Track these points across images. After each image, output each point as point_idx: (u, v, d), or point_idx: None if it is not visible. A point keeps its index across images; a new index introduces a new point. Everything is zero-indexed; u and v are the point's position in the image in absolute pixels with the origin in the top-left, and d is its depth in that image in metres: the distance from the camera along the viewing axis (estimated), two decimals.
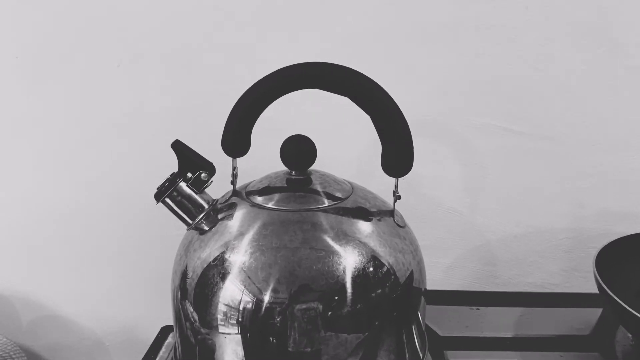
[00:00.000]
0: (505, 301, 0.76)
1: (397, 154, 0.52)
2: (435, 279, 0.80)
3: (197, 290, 0.50)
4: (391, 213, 0.54)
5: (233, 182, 0.56)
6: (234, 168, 0.55)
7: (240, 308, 0.48)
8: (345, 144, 0.79)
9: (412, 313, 0.53)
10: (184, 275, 0.52)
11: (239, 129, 0.52)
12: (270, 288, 0.47)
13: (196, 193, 0.52)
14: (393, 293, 0.50)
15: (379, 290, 0.49)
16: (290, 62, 0.51)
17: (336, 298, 0.48)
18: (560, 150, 0.79)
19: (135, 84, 0.80)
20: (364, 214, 0.53)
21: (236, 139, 0.52)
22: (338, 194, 0.54)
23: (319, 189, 0.54)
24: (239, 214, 0.52)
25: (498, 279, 0.85)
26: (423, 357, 0.56)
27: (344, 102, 0.51)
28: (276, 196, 0.53)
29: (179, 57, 0.78)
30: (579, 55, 0.76)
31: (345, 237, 0.50)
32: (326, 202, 0.52)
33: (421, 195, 0.81)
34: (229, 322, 0.49)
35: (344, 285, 0.48)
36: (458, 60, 0.77)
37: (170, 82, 0.80)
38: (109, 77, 0.79)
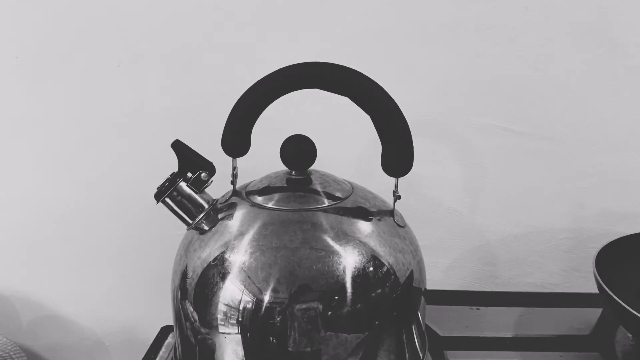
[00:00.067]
0: (505, 301, 0.75)
1: (397, 154, 0.52)
2: (435, 279, 0.80)
3: (197, 290, 0.50)
4: (391, 213, 0.54)
5: (233, 182, 0.56)
6: (234, 168, 0.55)
7: (240, 308, 0.48)
8: (345, 144, 0.79)
9: (412, 313, 0.53)
10: (184, 275, 0.52)
11: (239, 128, 0.52)
12: (270, 288, 0.48)
13: (196, 193, 0.52)
14: (393, 293, 0.50)
15: (379, 290, 0.49)
16: (290, 62, 0.51)
17: (336, 298, 0.48)
18: (560, 150, 0.79)
19: (135, 84, 0.80)
20: (364, 213, 0.53)
21: (236, 138, 0.52)
22: (338, 194, 0.54)
23: (319, 188, 0.54)
24: (239, 214, 0.52)
25: (498, 279, 0.85)
26: (423, 357, 0.56)
27: (344, 102, 0.51)
28: (276, 196, 0.53)
29: (179, 57, 0.78)
30: (579, 55, 0.76)
31: (345, 237, 0.50)
32: (326, 202, 0.52)
33: (421, 195, 0.81)
34: (229, 322, 0.49)
35: (344, 285, 0.48)
36: (458, 60, 0.77)
37: (170, 82, 0.80)
38: (109, 77, 0.79)
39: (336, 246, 0.49)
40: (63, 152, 0.83)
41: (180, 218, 0.52)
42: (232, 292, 0.48)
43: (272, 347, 0.48)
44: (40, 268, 0.88)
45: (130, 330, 0.91)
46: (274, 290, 0.47)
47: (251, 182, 0.57)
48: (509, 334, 0.68)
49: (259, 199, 0.53)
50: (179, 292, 0.52)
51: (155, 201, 0.51)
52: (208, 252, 0.50)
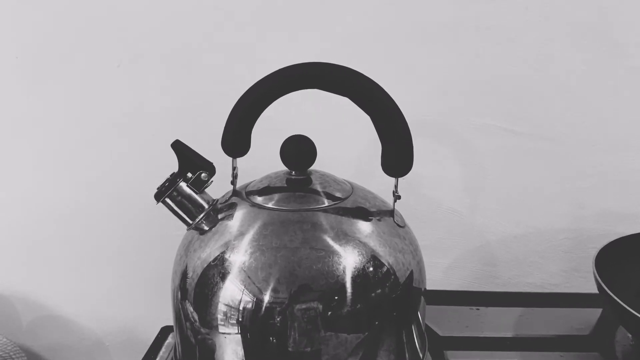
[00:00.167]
0: (505, 301, 0.75)
1: (397, 154, 0.52)
2: (435, 279, 0.80)
3: (197, 290, 0.50)
4: (391, 213, 0.54)
5: (233, 182, 0.56)
6: (234, 168, 0.55)
7: (240, 308, 0.48)
8: (345, 144, 0.79)
9: (412, 313, 0.53)
10: (184, 275, 0.52)
11: (239, 129, 0.52)
12: (270, 288, 0.48)
13: (196, 193, 0.52)
14: (393, 293, 0.50)
15: (379, 290, 0.49)
16: (290, 62, 0.51)
17: (336, 298, 0.48)
18: (560, 150, 0.79)
19: (135, 84, 0.80)
20: (364, 214, 0.53)
21: (236, 139, 0.52)
22: (338, 194, 0.54)
23: (319, 189, 0.54)
24: (239, 214, 0.52)
25: (498, 279, 0.85)
26: (423, 357, 0.56)
27: (344, 102, 0.51)
28: (276, 196, 0.53)
29: (179, 57, 0.78)
30: (579, 55, 0.76)
31: (345, 237, 0.50)
32: (326, 202, 0.52)
33: (421, 196, 0.81)
34: (229, 322, 0.49)
35: (343, 285, 0.48)
36: (458, 60, 0.77)
37: (170, 82, 0.80)
38: (109, 77, 0.79)
39: (336, 246, 0.49)
40: (63, 152, 0.83)
41: (180, 218, 0.52)
42: (232, 292, 0.48)
43: (272, 347, 0.48)
44: (40, 268, 0.88)
45: (130, 331, 0.91)
46: (274, 290, 0.47)
47: (251, 182, 0.57)
48: (509, 334, 0.68)
49: (259, 199, 0.53)
50: (179, 292, 0.52)
51: (155, 201, 0.51)
52: (208, 252, 0.50)
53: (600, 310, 0.72)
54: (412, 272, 0.52)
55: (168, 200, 0.51)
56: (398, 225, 0.54)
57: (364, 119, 0.51)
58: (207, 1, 0.76)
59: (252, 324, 0.48)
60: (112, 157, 0.83)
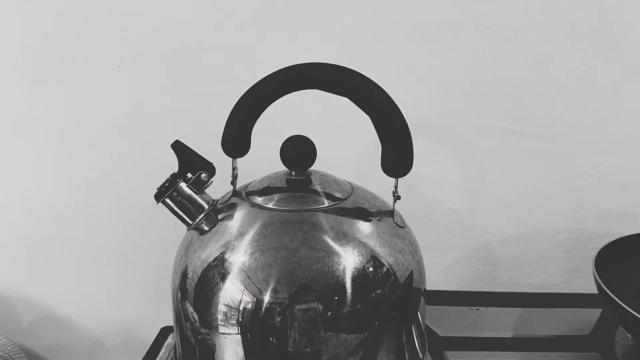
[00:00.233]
0: (505, 302, 0.76)
1: (397, 154, 0.52)
2: (435, 280, 0.80)
3: (197, 291, 0.50)
4: (391, 213, 0.54)
5: (233, 183, 0.56)
6: (234, 168, 0.55)
7: (240, 308, 0.48)
8: (345, 144, 0.79)
9: (411, 313, 0.53)
10: (184, 275, 0.52)
11: (239, 129, 0.52)
12: (270, 288, 0.48)
13: (196, 193, 0.52)
14: (393, 293, 0.50)
15: (379, 291, 0.49)
16: (290, 62, 0.51)
17: (336, 298, 0.48)
18: (560, 150, 0.79)
19: (135, 84, 0.80)
20: (364, 214, 0.53)
21: (236, 139, 0.52)
22: (338, 195, 0.54)
23: (319, 189, 0.54)
24: (239, 214, 0.52)
25: (498, 279, 0.85)
26: (423, 357, 0.56)
27: (344, 102, 0.51)
28: (276, 196, 0.53)
29: (179, 57, 0.78)
30: (579, 55, 0.76)
31: (345, 237, 0.50)
32: (326, 203, 0.52)
33: (421, 196, 0.81)
34: (229, 322, 0.49)
35: (343, 286, 0.48)
36: (458, 60, 0.77)
37: (170, 82, 0.80)
38: (109, 77, 0.79)
39: (336, 246, 0.49)
40: (63, 152, 0.83)
41: (180, 218, 0.52)
42: (232, 293, 0.48)
43: (272, 347, 0.48)
44: (40, 268, 0.88)
45: (130, 331, 0.91)
46: (274, 291, 0.47)
47: (251, 182, 0.57)
48: (508, 335, 0.68)
49: (259, 200, 0.53)
50: (179, 293, 0.52)
51: (155, 201, 0.51)
52: (208, 252, 0.50)
53: (600, 311, 0.72)
54: (412, 272, 0.52)
55: (168, 200, 0.51)
56: (398, 225, 0.54)
57: (364, 119, 0.51)
58: (207, 1, 0.76)
59: (252, 324, 0.48)
60: (112, 157, 0.83)
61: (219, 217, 0.52)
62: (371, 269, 0.49)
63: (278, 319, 0.47)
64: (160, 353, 0.68)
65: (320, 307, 0.47)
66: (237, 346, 0.49)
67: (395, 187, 0.54)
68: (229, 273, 0.49)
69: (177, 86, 0.80)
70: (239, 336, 0.49)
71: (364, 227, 0.51)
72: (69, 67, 0.80)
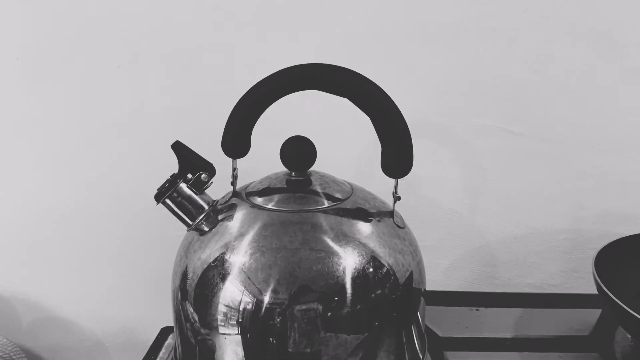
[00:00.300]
0: (505, 302, 0.75)
1: (397, 155, 0.52)
2: (434, 280, 0.80)
3: (197, 291, 0.50)
4: (391, 214, 0.54)
5: (233, 183, 0.56)
6: (234, 169, 0.55)
7: (241, 309, 0.48)
8: (345, 145, 0.79)
9: (411, 314, 0.53)
10: (184, 276, 0.52)
11: (239, 129, 0.52)
12: (270, 289, 0.48)
13: (196, 194, 0.52)
14: (393, 294, 0.50)
15: (379, 291, 0.49)
16: (290, 62, 0.51)
17: (336, 299, 0.48)
18: (560, 151, 0.79)
19: (135, 84, 0.80)
20: (364, 215, 0.53)
21: (236, 139, 0.52)
22: (338, 195, 0.54)
23: (319, 189, 0.54)
24: (239, 215, 0.52)
25: (498, 279, 0.85)
26: (423, 357, 0.56)
27: (344, 103, 0.51)
28: (276, 197, 0.53)
29: (179, 57, 0.78)
30: (579, 55, 0.76)
31: (345, 238, 0.50)
32: (326, 203, 0.52)
33: (421, 196, 0.81)
34: (229, 322, 0.49)
35: (343, 286, 0.48)
36: (458, 60, 0.77)
37: (170, 82, 0.80)
38: (109, 78, 0.79)
39: (336, 247, 0.49)
40: (63, 152, 0.83)
41: (181, 219, 0.52)
42: (232, 293, 0.48)
43: (272, 348, 0.48)
44: (40, 268, 0.88)
45: (130, 331, 0.91)
46: (274, 291, 0.47)
47: (251, 183, 0.57)
48: (508, 335, 0.68)
49: (259, 200, 0.53)
50: (179, 293, 0.52)
51: (155, 202, 0.51)
52: (208, 253, 0.50)
53: (599, 311, 0.72)
54: (412, 272, 0.52)
55: (168, 201, 0.51)
56: (398, 226, 0.54)
57: (364, 120, 0.51)
58: (207, 1, 0.76)
59: (252, 324, 0.48)
60: (112, 157, 0.83)
61: (219, 217, 0.52)
62: (371, 270, 0.49)
63: (278, 320, 0.47)
64: (160, 353, 0.68)
65: (320, 307, 0.47)
66: (237, 347, 0.49)
67: (395, 187, 0.54)
68: (229, 273, 0.49)
69: (177, 86, 0.80)
70: (239, 337, 0.49)
71: (364, 228, 0.51)
72: (69, 67, 0.80)
